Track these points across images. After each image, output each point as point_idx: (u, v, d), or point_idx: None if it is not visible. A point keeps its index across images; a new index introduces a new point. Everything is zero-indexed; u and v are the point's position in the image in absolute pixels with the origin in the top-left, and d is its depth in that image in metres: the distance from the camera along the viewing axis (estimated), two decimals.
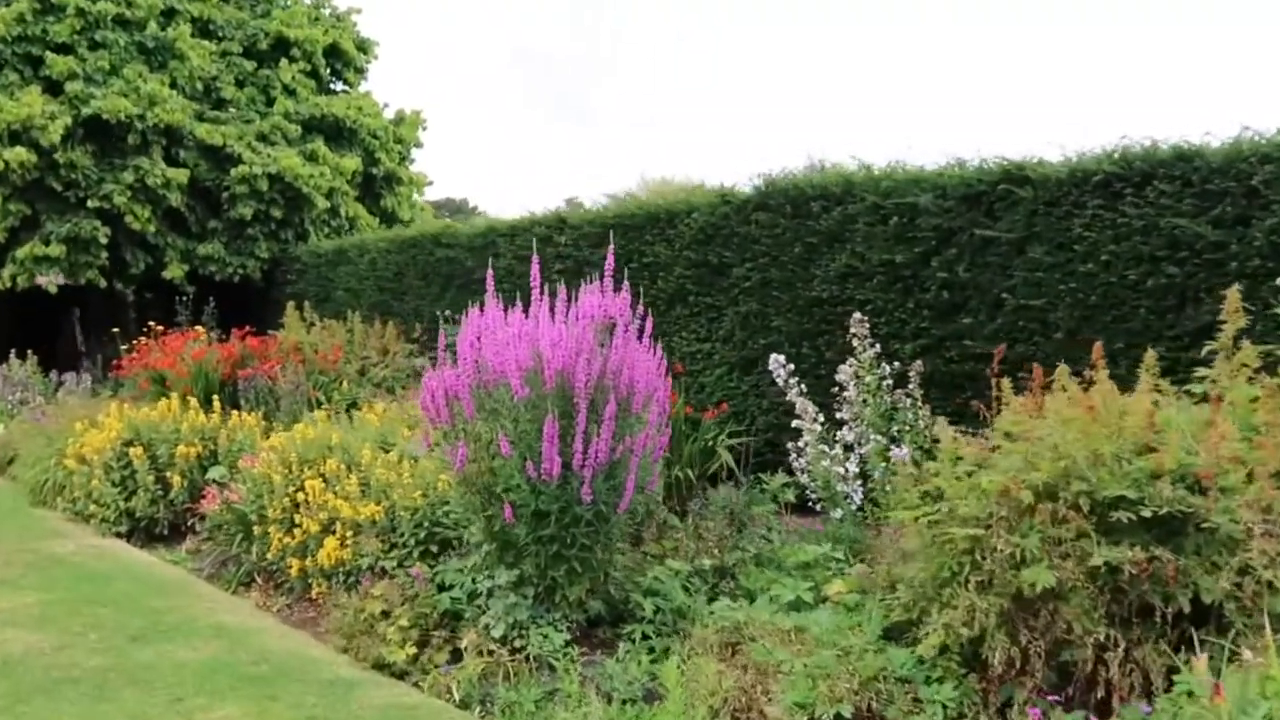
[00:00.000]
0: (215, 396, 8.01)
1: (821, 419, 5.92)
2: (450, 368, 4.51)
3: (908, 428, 6.17)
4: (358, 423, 6.61)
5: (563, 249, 9.46)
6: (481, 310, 4.56)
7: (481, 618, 4.45)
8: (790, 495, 6.45)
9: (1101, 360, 3.88)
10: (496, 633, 4.34)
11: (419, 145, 17.79)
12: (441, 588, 4.83)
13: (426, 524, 5.05)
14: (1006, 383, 4.23)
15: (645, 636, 4.44)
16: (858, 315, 6.29)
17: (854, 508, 5.86)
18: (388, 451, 6.20)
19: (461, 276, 10.95)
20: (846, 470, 5.80)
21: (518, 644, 4.34)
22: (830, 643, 3.76)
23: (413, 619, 4.54)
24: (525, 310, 4.55)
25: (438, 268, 11.35)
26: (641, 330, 4.51)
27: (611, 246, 4.53)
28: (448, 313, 10.01)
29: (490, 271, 4.59)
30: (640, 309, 4.53)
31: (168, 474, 6.96)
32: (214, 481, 6.82)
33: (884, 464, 6.02)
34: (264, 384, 9.02)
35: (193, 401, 7.50)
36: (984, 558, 3.52)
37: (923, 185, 6.69)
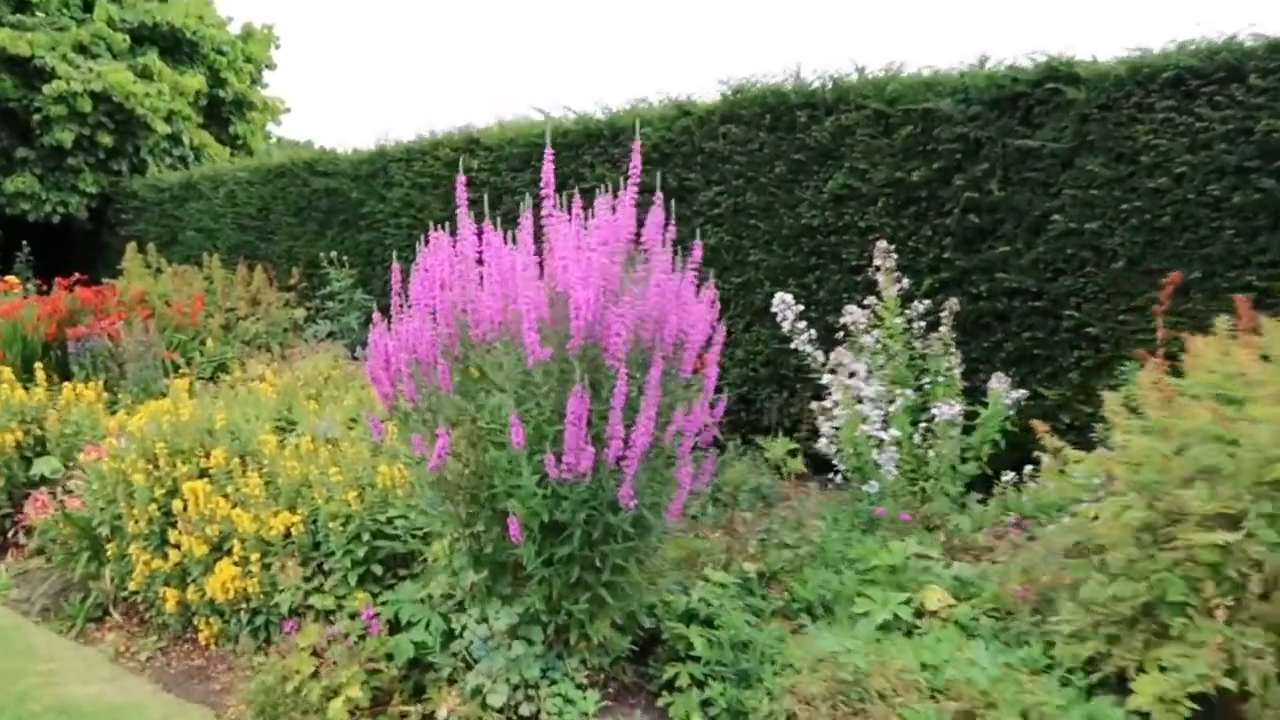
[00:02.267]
0: (38, 364, 6.18)
1: (864, 371, 4.77)
2: (409, 319, 3.09)
3: (940, 379, 5.12)
4: (246, 395, 5.02)
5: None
6: (454, 236, 3.14)
7: (468, 675, 3.11)
8: (799, 464, 5.32)
9: None
10: (495, 699, 3.01)
11: (271, 66, 15.54)
12: (395, 625, 3.46)
13: (365, 536, 3.63)
14: (1223, 322, 3.14)
15: (696, 682, 3.22)
16: (883, 244, 5.16)
17: (890, 479, 4.79)
18: (290, 431, 4.68)
19: (346, 211, 9.21)
20: (886, 436, 4.70)
21: (525, 710, 3.03)
22: (1010, 700, 2.63)
23: (363, 681, 3.15)
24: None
25: (314, 201, 9.55)
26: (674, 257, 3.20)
27: (638, 143, 3.17)
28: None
29: (463, 178, 3.15)
30: (672, 229, 3.21)
31: None
32: (43, 479, 5.11)
33: (921, 424, 4.97)
34: (103, 346, 7.16)
35: (6, 372, 5.69)
36: (1244, 575, 2.45)
37: (939, 89, 5.58)
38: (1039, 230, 5.27)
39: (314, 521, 3.73)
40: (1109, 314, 5.09)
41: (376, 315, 3.10)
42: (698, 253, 3.19)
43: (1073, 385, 5.22)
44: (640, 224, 3.12)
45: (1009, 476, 4.68)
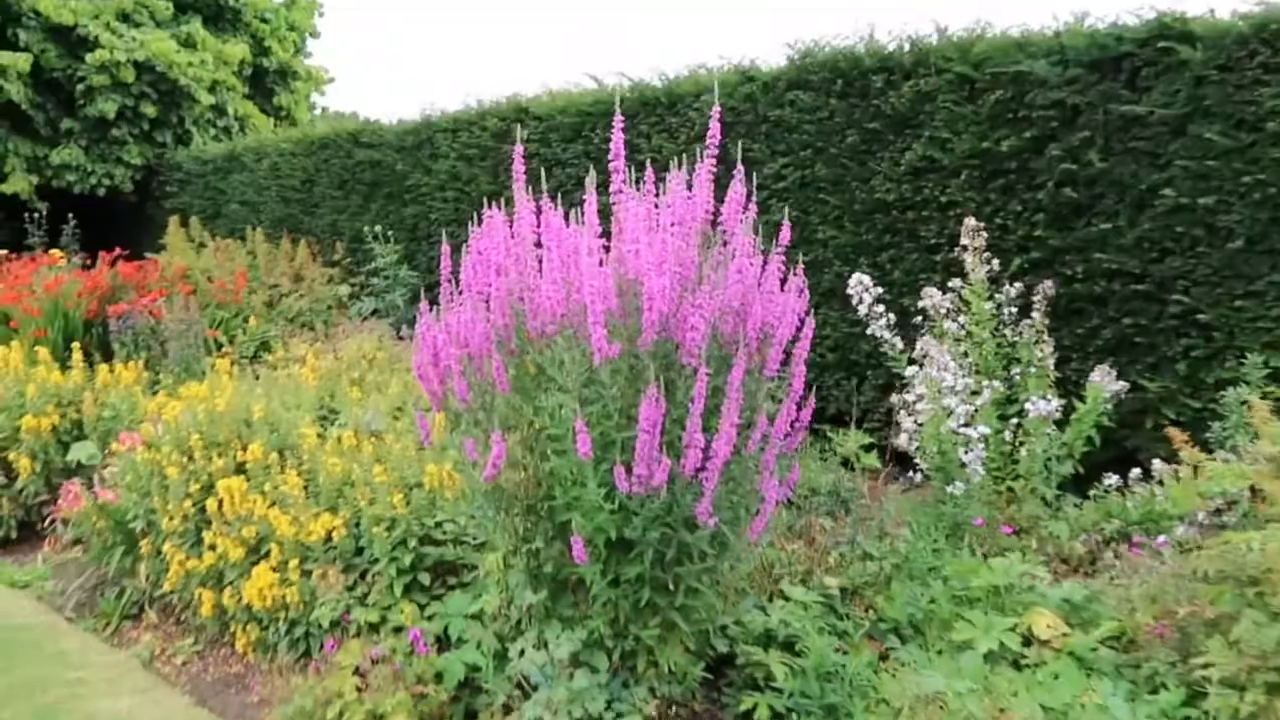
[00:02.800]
0: (76, 342, 5.98)
1: (952, 362, 4.36)
2: (460, 308, 2.76)
3: (1032, 369, 4.70)
4: (286, 380, 4.75)
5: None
6: (509, 215, 2.80)
7: (524, 705, 2.81)
8: (874, 460, 4.94)
9: None
10: None
11: (315, 35, 15.31)
12: (443, 641, 3.17)
13: (412, 542, 3.33)
14: None
15: (776, 715, 2.88)
16: (971, 221, 4.73)
17: (976, 480, 4.39)
18: (331, 422, 4.41)
19: (390, 183, 8.93)
20: (975, 433, 4.29)
21: None
22: None
23: (409, 709, 2.86)
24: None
25: (358, 173, 9.28)
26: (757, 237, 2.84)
27: (717, 109, 2.79)
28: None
29: (520, 148, 2.81)
30: (753, 208, 2.84)
31: (11, 455, 5.00)
32: (79, 465, 4.90)
33: (1010, 419, 4.55)
34: (144, 323, 6.97)
35: (42, 352, 5.49)
36: None
37: (1032, 50, 5.09)
38: (1143, 205, 4.79)
39: (356, 525, 3.44)
40: (1222, 299, 4.62)
41: (424, 305, 2.77)
42: (785, 234, 2.82)
43: (1178, 377, 4.76)
44: (719, 201, 2.76)
45: (1111, 479, 4.26)
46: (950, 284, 4.86)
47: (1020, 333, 4.77)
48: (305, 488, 3.58)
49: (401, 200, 8.83)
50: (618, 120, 2.59)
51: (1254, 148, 4.45)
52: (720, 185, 2.88)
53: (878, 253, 5.72)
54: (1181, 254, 4.71)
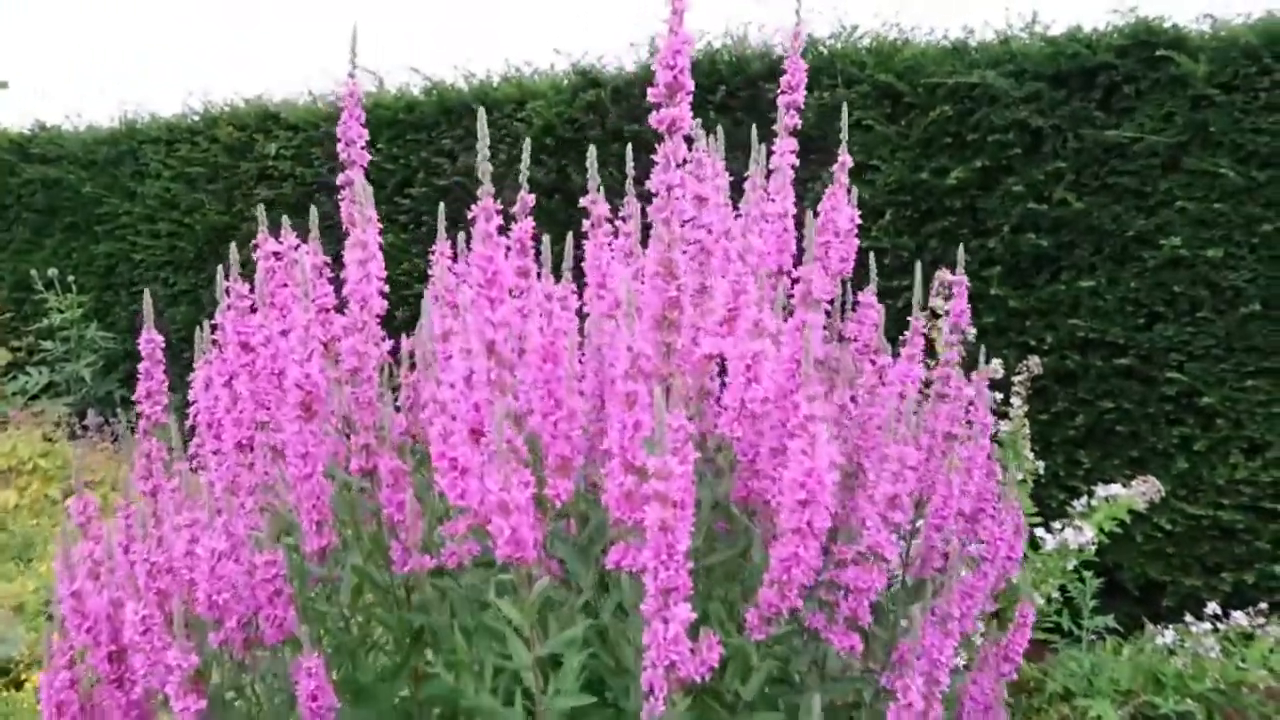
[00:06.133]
0: None
1: None
2: (188, 516, 0.99)
3: (1020, 476, 3.50)
4: None
5: (271, 165, 5.61)
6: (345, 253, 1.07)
7: None
8: None
9: None
10: None
11: None
12: None
13: None
14: None
15: None
16: (948, 275, 3.46)
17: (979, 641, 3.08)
18: None
19: (74, 211, 6.56)
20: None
21: None
22: None
23: None
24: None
25: (26, 197, 6.81)
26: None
27: (798, 27, 1.26)
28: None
29: (355, 113, 1.12)
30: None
31: None
32: None
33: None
34: None
35: None
36: None
37: (978, 60, 4.00)
38: (1127, 258, 3.78)
39: None
40: (1229, 377, 3.66)
41: (78, 504, 0.99)
42: (962, 311, 1.33)
43: (1172, 476, 3.75)
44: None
45: (1167, 636, 3.09)
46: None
47: (997, 427, 3.58)
48: None
49: (91, 234, 6.49)
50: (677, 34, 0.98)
51: (1270, 185, 3.54)
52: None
53: None
54: (1177, 319, 3.71)
